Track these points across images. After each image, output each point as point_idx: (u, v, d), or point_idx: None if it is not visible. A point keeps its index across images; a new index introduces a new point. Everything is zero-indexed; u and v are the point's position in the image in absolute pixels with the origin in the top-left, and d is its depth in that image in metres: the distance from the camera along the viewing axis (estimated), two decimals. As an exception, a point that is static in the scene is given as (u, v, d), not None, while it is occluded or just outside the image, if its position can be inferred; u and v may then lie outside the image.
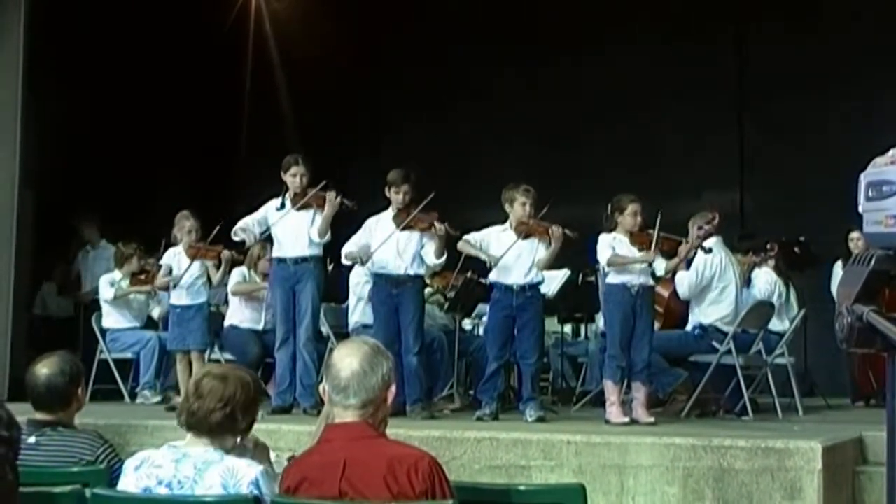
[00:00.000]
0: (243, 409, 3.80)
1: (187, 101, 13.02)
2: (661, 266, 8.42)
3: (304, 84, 14.09)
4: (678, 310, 9.37)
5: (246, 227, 8.81)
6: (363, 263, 8.82)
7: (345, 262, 8.95)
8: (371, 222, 8.77)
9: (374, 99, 14.04)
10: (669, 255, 8.44)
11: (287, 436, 7.17)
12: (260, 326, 10.08)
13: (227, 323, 10.24)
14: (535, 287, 8.49)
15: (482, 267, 8.86)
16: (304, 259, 8.76)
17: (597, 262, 8.62)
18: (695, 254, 8.72)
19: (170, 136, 12.75)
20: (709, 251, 8.69)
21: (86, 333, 11.13)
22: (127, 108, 12.45)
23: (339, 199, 8.63)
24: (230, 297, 10.29)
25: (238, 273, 10.15)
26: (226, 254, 9.72)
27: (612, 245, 8.30)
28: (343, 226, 8.88)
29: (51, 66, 10.83)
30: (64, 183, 11.65)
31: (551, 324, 10.64)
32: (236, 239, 8.95)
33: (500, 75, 13.61)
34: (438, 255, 8.64)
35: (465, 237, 8.60)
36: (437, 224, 8.48)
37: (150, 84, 12.71)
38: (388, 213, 8.72)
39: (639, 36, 13.16)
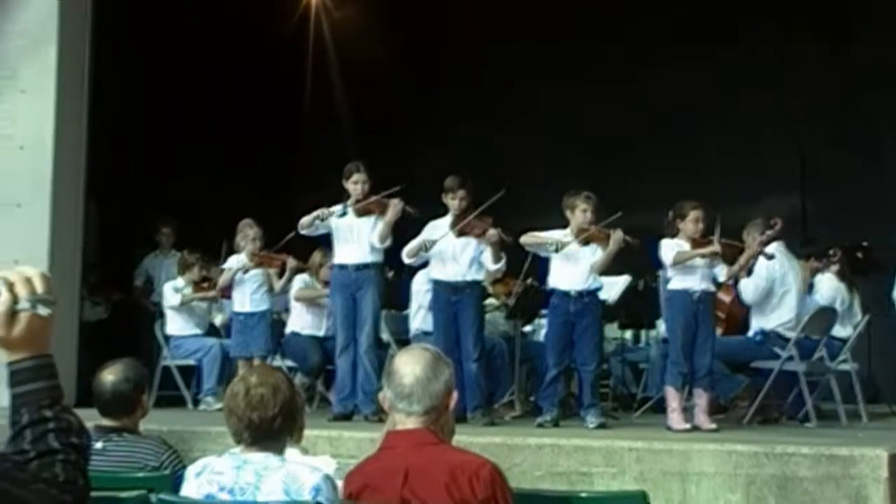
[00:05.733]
0: (295, 406, 3.84)
1: (248, 109, 13.13)
2: (722, 272, 8.38)
3: (362, 90, 14.16)
4: (739, 315, 9.31)
5: (312, 224, 8.84)
6: (426, 249, 8.74)
7: (406, 259, 8.88)
8: (430, 227, 8.73)
9: (434, 105, 14.06)
10: (731, 261, 8.37)
11: (348, 442, 7.15)
12: (321, 333, 10.12)
13: (288, 329, 10.30)
14: (593, 293, 8.44)
15: (542, 274, 8.83)
16: (365, 265, 8.74)
17: (660, 266, 8.59)
18: (755, 261, 8.67)
19: (230, 143, 12.84)
20: (771, 257, 8.64)
21: (135, 338, 11.24)
22: (187, 116, 12.57)
23: (401, 205, 8.63)
24: (292, 304, 10.34)
25: (300, 280, 10.20)
26: (291, 262, 9.80)
27: (675, 248, 8.27)
28: (404, 233, 8.86)
29: (114, 75, 10.94)
30: (127, 193, 11.79)
31: (612, 330, 10.62)
32: (303, 231, 8.94)
33: (556, 82, 13.55)
34: (495, 261, 8.58)
35: (531, 232, 8.56)
36: (490, 230, 8.45)
37: (210, 93, 12.83)
38: (447, 219, 8.68)
39: (699, 39, 13.08)
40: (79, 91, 9.91)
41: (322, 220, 8.81)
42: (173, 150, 12.51)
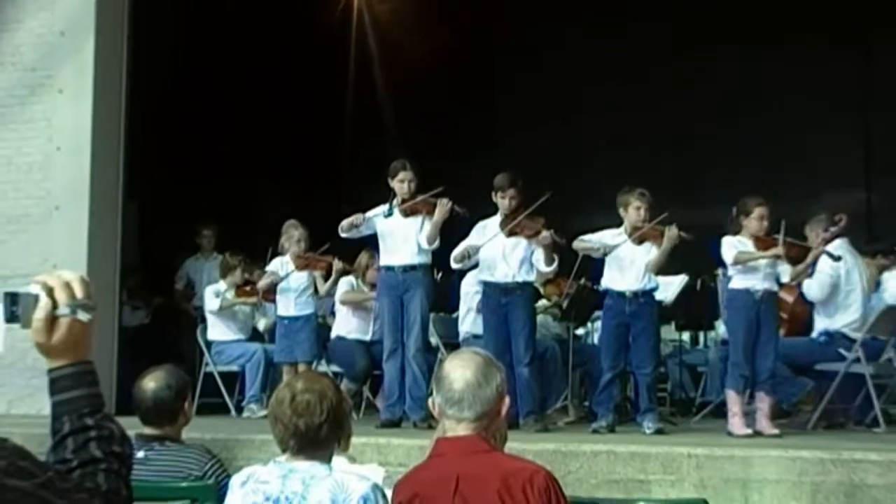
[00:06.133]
0: (343, 413, 3.79)
1: (290, 109, 13.10)
2: (785, 272, 8.27)
3: (407, 87, 14.16)
4: (803, 316, 9.16)
5: (351, 228, 8.70)
6: (469, 257, 8.59)
7: (453, 265, 8.80)
8: (480, 227, 8.62)
9: (482, 103, 14.02)
10: (795, 261, 8.25)
11: (397, 450, 7.10)
12: (367, 337, 10.01)
13: (333, 334, 10.23)
14: (648, 293, 8.34)
15: (596, 274, 8.65)
16: (413, 267, 8.61)
17: (721, 264, 8.42)
18: (817, 258, 8.45)
19: (273, 144, 12.82)
20: (837, 259, 8.44)
21: (177, 343, 11.15)
22: (229, 116, 12.54)
23: (449, 205, 8.47)
24: (338, 307, 10.27)
25: (346, 282, 10.12)
26: (337, 264, 9.68)
27: (737, 247, 8.11)
28: (453, 233, 8.73)
29: (153, 72, 10.94)
30: (166, 194, 11.71)
31: (669, 331, 10.59)
32: (343, 235, 8.82)
33: (614, 78, 13.56)
34: (548, 263, 8.45)
35: (580, 237, 8.45)
36: (543, 233, 8.29)
37: (252, 92, 12.82)
38: (497, 219, 8.56)
39: (757, 35, 12.96)
40: (117, 90, 9.94)
41: (356, 225, 8.69)
42: (214, 150, 12.47)
